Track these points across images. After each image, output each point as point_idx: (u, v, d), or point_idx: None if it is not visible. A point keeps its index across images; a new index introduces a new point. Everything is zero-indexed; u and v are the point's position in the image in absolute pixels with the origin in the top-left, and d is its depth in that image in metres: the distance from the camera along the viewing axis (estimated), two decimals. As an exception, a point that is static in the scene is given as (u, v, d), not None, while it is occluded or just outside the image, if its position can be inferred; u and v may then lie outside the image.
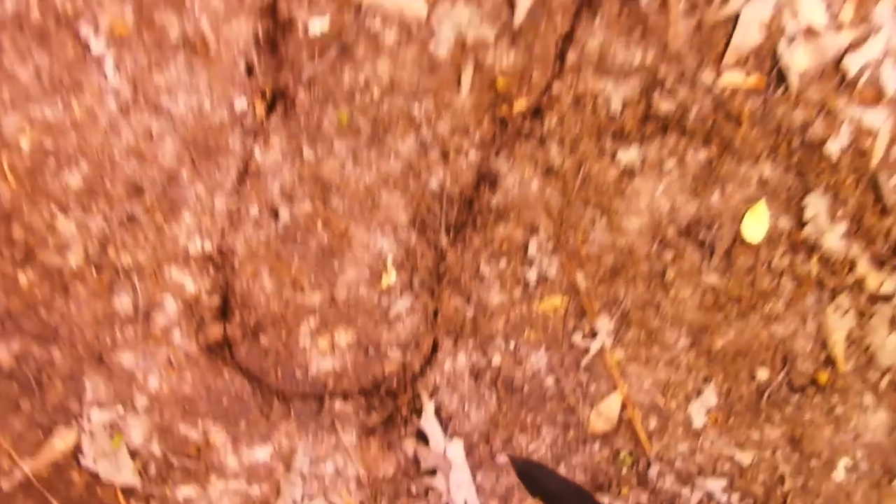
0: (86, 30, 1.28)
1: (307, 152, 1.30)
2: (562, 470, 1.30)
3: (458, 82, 1.32)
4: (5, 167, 1.27)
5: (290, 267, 1.31)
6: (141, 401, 1.28)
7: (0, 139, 1.27)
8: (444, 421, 1.30)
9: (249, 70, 1.30)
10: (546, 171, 1.32)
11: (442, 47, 1.31)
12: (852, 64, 1.34)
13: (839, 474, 1.34)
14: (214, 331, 1.30)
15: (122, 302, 1.29)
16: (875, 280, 1.34)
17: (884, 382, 1.34)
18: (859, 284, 1.35)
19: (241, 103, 1.30)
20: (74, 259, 1.29)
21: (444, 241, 1.31)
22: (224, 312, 1.31)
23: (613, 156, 1.33)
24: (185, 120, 1.29)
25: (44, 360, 1.27)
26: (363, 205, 1.31)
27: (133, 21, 1.28)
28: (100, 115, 1.28)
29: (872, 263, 1.34)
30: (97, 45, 1.28)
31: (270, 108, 1.31)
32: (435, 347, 1.32)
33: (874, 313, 1.34)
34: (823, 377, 1.34)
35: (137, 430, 1.28)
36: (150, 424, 1.29)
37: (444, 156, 1.31)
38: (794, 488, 1.33)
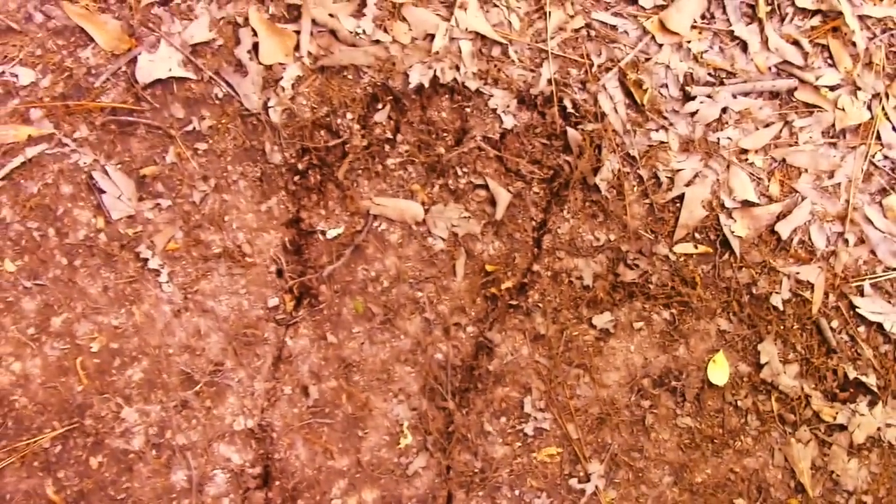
0: (144, 250, 1.64)
1: (330, 337, 1.64)
2: None
3: (454, 269, 1.66)
4: (79, 367, 1.60)
5: (321, 436, 1.62)
6: (198, 569, 1.56)
7: (73, 344, 1.61)
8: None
9: (279, 273, 1.66)
10: (534, 338, 1.64)
11: (438, 242, 1.67)
12: (784, 229, 1.68)
13: None
14: (258, 498, 1.59)
15: (179, 477, 1.59)
16: (829, 413, 1.63)
17: (850, 505, 1.59)
18: (816, 417, 1.63)
19: (273, 301, 1.65)
20: (137, 442, 1.60)
21: (451, 404, 1.62)
22: (266, 481, 1.61)
23: (590, 321, 1.65)
24: (227, 318, 1.63)
25: (113, 536, 1.56)
26: (380, 378, 1.63)
27: (182, 239, 1.65)
28: (157, 319, 1.63)
29: (825, 398, 1.63)
30: (153, 262, 1.64)
31: (298, 303, 1.65)
32: (450, 499, 1.60)
33: (832, 443, 1.62)
34: (796, 503, 1.60)
35: None
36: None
37: (446, 331, 1.64)
38: None
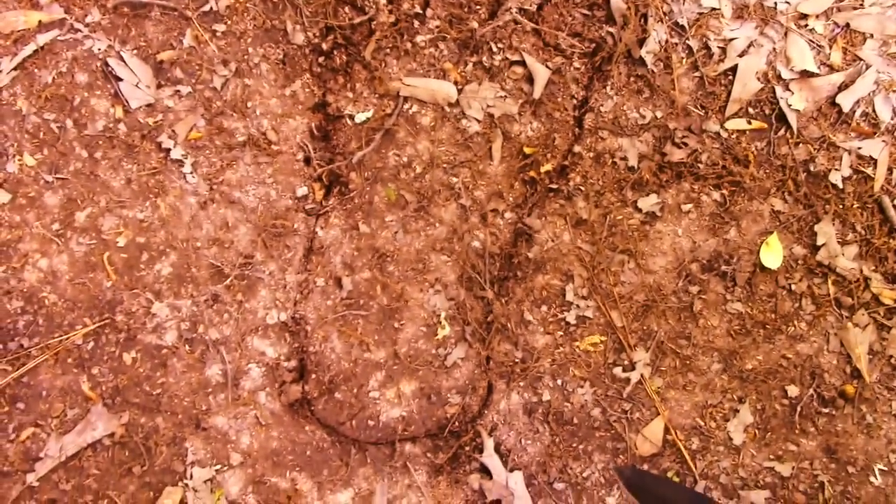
0: (166, 140, 1.62)
1: (363, 227, 1.61)
2: (614, 493, 1.57)
3: (490, 153, 1.62)
4: (106, 263, 1.60)
5: (356, 329, 1.61)
6: (236, 458, 1.59)
7: (100, 239, 1.60)
8: (504, 455, 1.57)
9: (307, 160, 1.63)
10: (575, 224, 1.61)
11: (473, 123, 1.62)
12: (846, 101, 1.60)
13: (876, 479, 1.57)
14: (294, 391, 1.61)
15: (214, 372, 1.61)
16: (889, 295, 1.59)
17: (908, 389, 1.57)
18: (875, 300, 1.59)
19: (302, 190, 1.62)
20: (170, 338, 1.61)
21: (489, 293, 1.60)
22: (301, 374, 1.62)
23: (635, 204, 1.61)
24: (255, 209, 1.61)
25: (150, 428, 1.59)
26: (415, 268, 1.61)
27: (205, 128, 1.62)
28: (183, 212, 1.61)
29: (885, 280, 1.58)
30: (176, 152, 1.62)
31: (328, 192, 1.62)
32: (490, 390, 1.60)
33: (892, 326, 1.58)
34: (851, 389, 1.58)
35: (235, 485, 1.58)
36: (245, 478, 1.59)
37: (483, 218, 1.61)
38: (834, 495, 1.57)
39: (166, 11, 1.61)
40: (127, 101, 1.60)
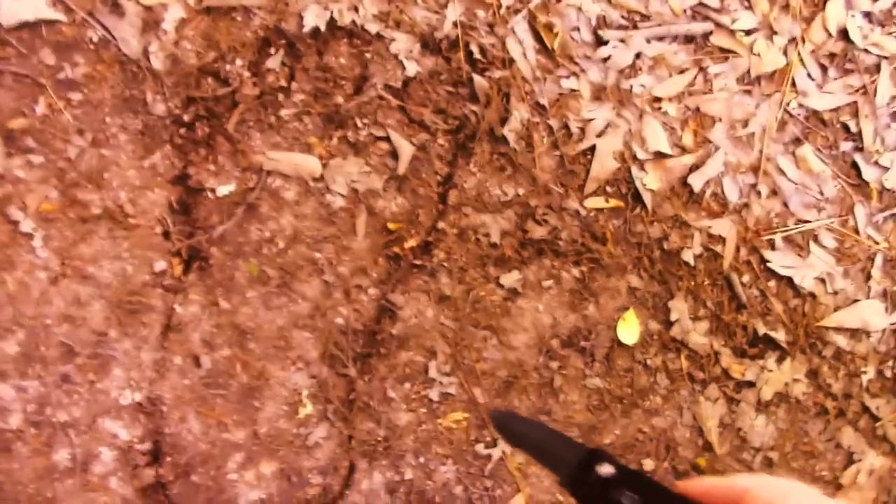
0: (15, 212, 1.69)
1: (223, 303, 1.73)
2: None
3: (354, 228, 1.76)
4: None
5: (215, 408, 1.72)
6: (85, 548, 1.66)
7: None
8: (358, 540, 1.70)
9: (166, 234, 1.73)
10: (439, 300, 1.76)
11: (337, 199, 1.76)
12: (697, 181, 1.82)
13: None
14: (148, 474, 1.69)
15: (62, 457, 1.68)
16: (738, 369, 1.80)
17: (757, 460, 1.78)
18: (725, 374, 1.79)
19: (160, 265, 1.72)
20: (15, 421, 1.67)
21: (352, 371, 1.73)
22: (156, 457, 1.70)
23: (497, 281, 1.77)
24: (110, 284, 1.71)
25: (-8, 518, 1.65)
26: (277, 346, 1.73)
27: (58, 200, 1.70)
28: (32, 287, 1.69)
29: (734, 354, 1.79)
30: (26, 225, 1.69)
31: (187, 267, 1.73)
32: (352, 469, 1.72)
33: (741, 399, 1.78)
34: (703, 462, 1.78)
35: (84, 577, 1.65)
36: (96, 570, 1.66)
37: (347, 294, 1.75)
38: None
39: (19, 78, 1.70)
40: (-27, 171, 1.67)
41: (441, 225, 1.80)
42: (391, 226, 1.79)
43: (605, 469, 0.60)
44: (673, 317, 1.80)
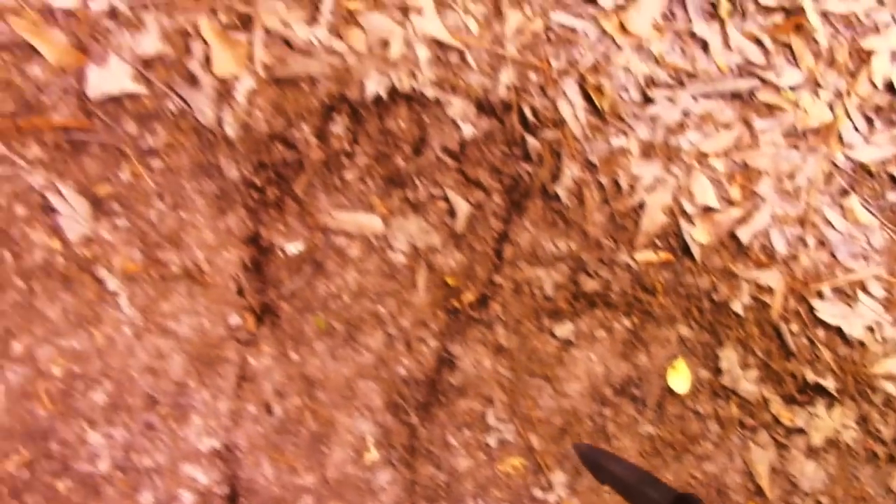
0: (102, 272, 1.86)
1: (293, 355, 1.87)
2: None
3: (415, 283, 1.89)
4: (41, 393, 1.83)
5: (286, 454, 1.85)
6: (171, 588, 1.81)
7: (35, 369, 1.83)
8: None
9: (240, 291, 1.88)
10: (496, 351, 1.88)
11: (398, 255, 1.89)
12: (745, 234, 1.90)
13: None
14: None
15: (147, 499, 1.83)
16: (788, 416, 1.87)
17: (808, 505, 1.85)
18: (775, 421, 1.87)
19: (234, 319, 1.87)
20: (104, 465, 1.83)
21: (414, 418, 1.85)
22: (233, 499, 1.85)
23: (552, 331, 1.88)
24: (189, 338, 1.86)
25: (86, 559, 1.81)
26: (344, 395, 1.87)
27: (141, 260, 1.86)
28: (118, 342, 1.85)
29: (783, 402, 1.87)
30: (112, 284, 1.86)
31: (260, 321, 1.88)
32: None
33: (791, 445, 1.86)
34: None
35: None
36: None
37: (409, 346, 1.87)
38: None
39: (104, 147, 1.87)
40: (65, 234, 1.84)
41: (497, 279, 1.91)
42: (450, 280, 1.91)
43: None
44: (723, 365, 1.88)
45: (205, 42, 1.89)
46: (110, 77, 1.89)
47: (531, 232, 1.90)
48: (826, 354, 1.91)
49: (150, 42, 1.90)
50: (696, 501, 0.72)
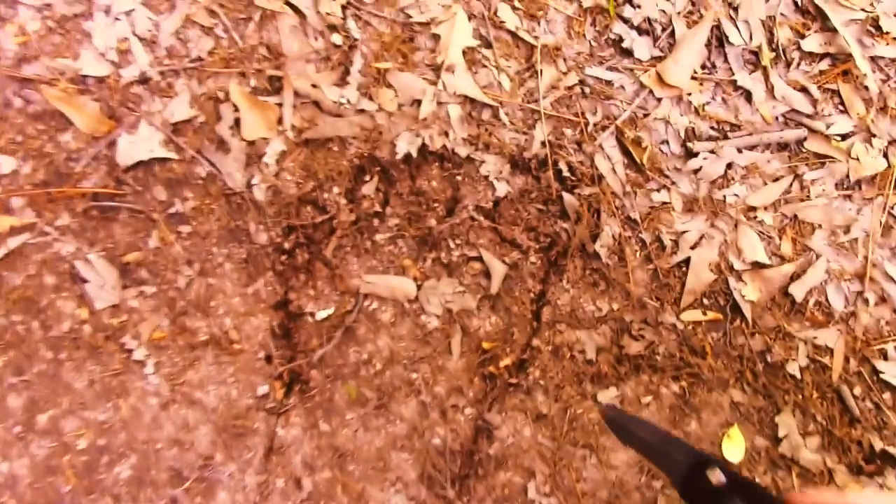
0: (129, 341, 1.81)
1: (323, 425, 1.79)
2: None
3: (449, 348, 1.80)
4: (66, 467, 1.77)
5: None
6: None
7: (60, 441, 1.77)
8: None
9: (268, 358, 1.81)
10: (536, 419, 1.78)
11: (432, 319, 1.81)
12: (798, 291, 1.79)
13: None
14: None
15: None
16: (855, 488, 1.73)
17: None
18: None
19: (262, 388, 1.80)
20: None
21: (451, 492, 1.75)
22: None
23: (595, 397, 1.78)
24: (216, 409, 1.79)
25: None
26: (376, 467, 1.77)
27: (169, 328, 1.81)
28: (144, 413, 1.79)
29: (849, 472, 1.73)
30: (139, 353, 1.81)
31: (288, 390, 1.80)
32: None
33: None
34: None
35: None
36: None
37: (443, 414, 1.78)
38: None
39: (134, 214, 1.84)
40: (92, 303, 1.81)
41: (535, 343, 1.82)
42: (486, 345, 1.83)
43: (717, 475, 0.62)
44: (781, 432, 1.76)
45: (234, 107, 1.88)
46: (140, 143, 1.88)
47: (570, 293, 1.82)
48: (894, 420, 1.77)
49: (180, 108, 1.89)
50: (717, 463, 0.65)
